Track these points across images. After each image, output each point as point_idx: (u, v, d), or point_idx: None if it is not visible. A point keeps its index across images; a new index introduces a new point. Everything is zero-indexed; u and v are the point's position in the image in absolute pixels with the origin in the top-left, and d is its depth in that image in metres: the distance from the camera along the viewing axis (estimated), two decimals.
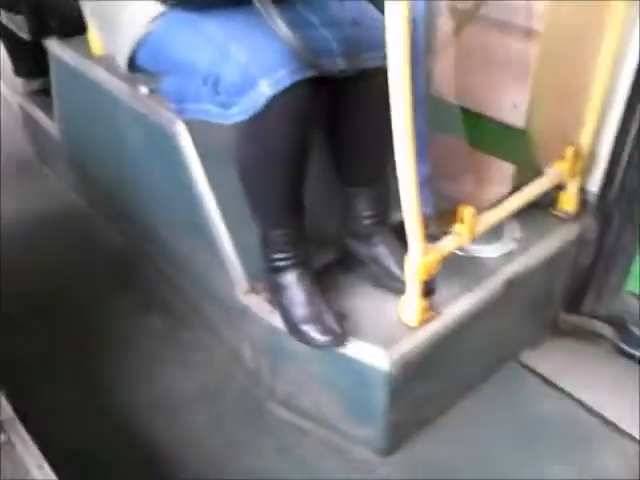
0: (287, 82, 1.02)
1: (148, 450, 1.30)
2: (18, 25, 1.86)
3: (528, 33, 1.21)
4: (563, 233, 1.42)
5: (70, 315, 1.62)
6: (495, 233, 1.37)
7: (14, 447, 1.04)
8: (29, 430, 1.08)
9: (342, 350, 1.17)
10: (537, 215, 1.43)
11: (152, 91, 1.36)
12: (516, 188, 1.35)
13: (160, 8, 1.12)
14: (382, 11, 1.01)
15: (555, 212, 1.46)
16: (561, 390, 1.39)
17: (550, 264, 1.39)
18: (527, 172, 1.37)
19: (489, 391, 1.40)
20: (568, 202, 1.44)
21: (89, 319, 1.61)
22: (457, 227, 1.20)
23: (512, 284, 1.31)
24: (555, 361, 1.46)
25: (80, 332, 1.57)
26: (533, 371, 1.44)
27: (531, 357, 1.47)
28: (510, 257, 1.35)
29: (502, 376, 1.43)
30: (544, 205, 1.44)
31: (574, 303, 1.52)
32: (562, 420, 1.34)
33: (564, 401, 1.37)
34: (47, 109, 2.01)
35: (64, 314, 1.63)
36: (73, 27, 1.71)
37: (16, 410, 1.10)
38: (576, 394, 1.38)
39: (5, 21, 1.94)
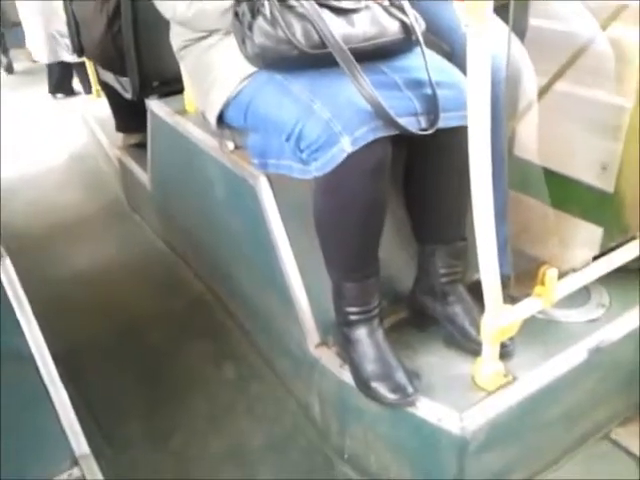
0: (368, 139, 1.05)
1: None
2: (123, 86, 2.04)
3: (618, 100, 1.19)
4: None
5: (144, 358, 1.67)
6: (580, 298, 1.31)
7: None
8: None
9: (412, 410, 1.14)
10: (627, 281, 1.36)
11: (237, 146, 1.43)
12: (604, 252, 1.29)
13: (250, 69, 1.18)
14: (463, 71, 1.03)
15: None
16: None
17: None
18: (616, 235, 1.31)
19: (573, 468, 1.29)
20: None
21: (163, 363, 1.65)
22: (537, 289, 1.16)
23: (597, 353, 1.23)
24: None
25: (153, 376, 1.61)
26: (625, 450, 1.32)
27: (622, 434, 1.35)
28: (596, 324, 1.28)
29: (589, 452, 1.32)
30: (635, 270, 1.37)
31: None
32: None
33: None
34: (141, 161, 2.17)
35: (139, 356, 1.68)
36: (171, 87, 1.87)
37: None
38: None
39: (111, 82, 2.13)
